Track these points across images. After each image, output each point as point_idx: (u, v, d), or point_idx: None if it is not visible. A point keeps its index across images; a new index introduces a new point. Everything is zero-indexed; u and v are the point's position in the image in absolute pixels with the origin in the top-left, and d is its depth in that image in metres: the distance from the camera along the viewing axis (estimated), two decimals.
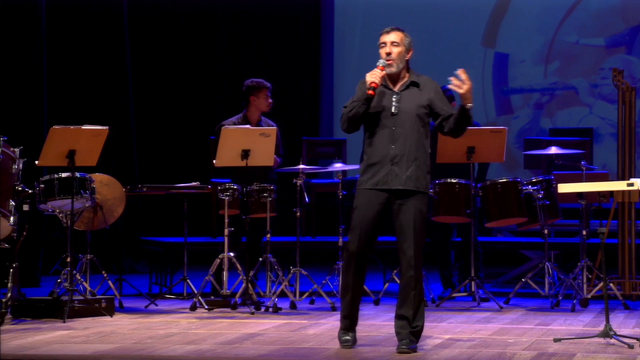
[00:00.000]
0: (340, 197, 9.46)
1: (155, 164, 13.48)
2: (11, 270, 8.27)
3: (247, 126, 9.30)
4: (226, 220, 9.00)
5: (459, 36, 13.74)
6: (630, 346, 6.77)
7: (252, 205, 9.18)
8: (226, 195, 9.01)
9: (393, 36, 6.80)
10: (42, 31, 11.60)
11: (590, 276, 9.30)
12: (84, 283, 9.05)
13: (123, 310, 8.90)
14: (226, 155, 8.85)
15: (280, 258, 10.07)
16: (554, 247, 10.50)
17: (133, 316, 8.55)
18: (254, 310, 8.66)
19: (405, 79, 6.81)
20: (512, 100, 13.79)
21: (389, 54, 6.76)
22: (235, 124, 9.50)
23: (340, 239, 9.35)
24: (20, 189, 8.23)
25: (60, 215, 8.55)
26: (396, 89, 6.79)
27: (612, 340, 6.92)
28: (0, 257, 8.68)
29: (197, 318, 8.44)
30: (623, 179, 9.41)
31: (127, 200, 9.32)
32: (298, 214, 9.40)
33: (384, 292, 9.58)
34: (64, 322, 8.02)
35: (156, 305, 9.09)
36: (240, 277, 9.00)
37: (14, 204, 8.18)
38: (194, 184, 9.49)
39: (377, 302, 9.35)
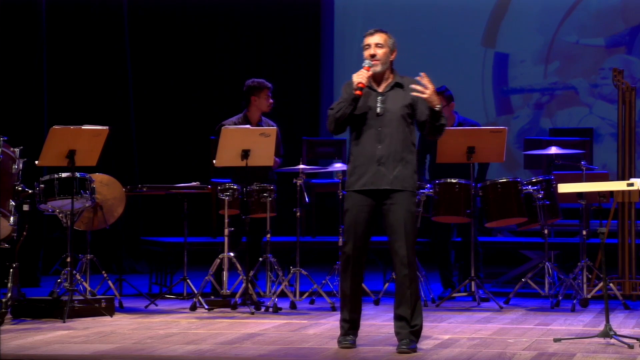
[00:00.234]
0: (340, 197, 9.44)
1: (155, 164, 13.48)
2: (11, 270, 8.26)
3: (247, 126, 9.30)
4: (226, 220, 9.00)
5: (459, 36, 13.74)
6: (630, 346, 6.77)
7: (252, 205, 9.18)
8: (226, 195, 9.01)
9: (377, 38, 6.84)
10: (42, 31, 11.60)
11: (590, 276, 9.30)
12: (84, 283, 9.05)
13: (123, 310, 8.90)
14: (226, 155, 8.85)
15: (280, 258, 10.07)
16: (554, 247, 10.50)
17: (133, 316, 8.55)
18: (254, 310, 8.66)
19: (390, 80, 6.86)
20: (512, 100, 13.79)
21: (373, 55, 6.80)
22: (235, 123, 9.50)
23: (340, 239, 9.34)
24: (20, 189, 8.23)
25: (60, 215, 8.55)
26: (381, 89, 6.83)
27: (612, 340, 6.92)
28: (0, 257, 8.68)
29: (197, 318, 8.44)
30: (623, 179, 9.41)
31: (127, 200, 9.32)
32: (298, 214, 9.41)
33: (384, 292, 9.58)
34: (64, 322, 8.02)
35: (156, 305, 9.09)
36: (240, 277, 9.00)
37: (14, 204, 8.18)
38: (194, 184, 9.50)
39: (377, 302, 9.35)
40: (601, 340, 6.98)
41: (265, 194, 9.23)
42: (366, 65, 6.77)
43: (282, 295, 9.21)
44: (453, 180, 9.37)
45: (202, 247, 10.58)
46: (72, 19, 12.77)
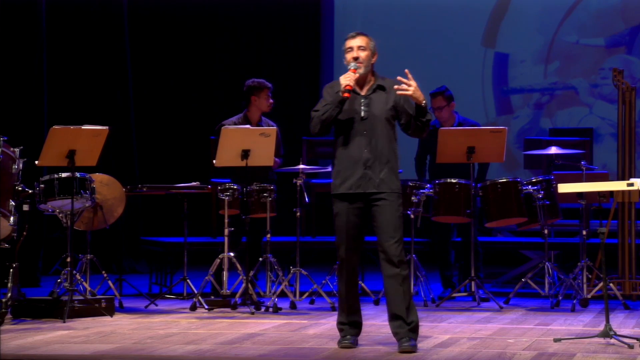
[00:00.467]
0: None
1: (155, 164, 13.48)
2: (11, 270, 8.26)
3: (247, 126, 9.30)
4: (226, 220, 9.00)
5: (459, 36, 13.73)
6: (630, 346, 6.77)
7: (252, 205, 9.18)
8: (226, 195, 9.01)
9: (359, 40, 6.85)
10: (42, 32, 11.60)
11: (590, 276, 9.30)
12: (84, 283, 9.05)
13: (123, 310, 8.90)
14: (226, 155, 8.85)
15: (280, 258, 10.07)
16: (554, 247, 10.50)
17: (133, 316, 8.55)
18: (254, 310, 8.66)
19: (372, 83, 6.87)
20: (512, 100, 13.79)
21: (356, 58, 6.81)
22: (235, 123, 9.50)
23: None
24: (20, 189, 8.23)
25: (60, 215, 8.54)
26: (363, 92, 6.84)
27: (612, 340, 6.92)
28: (0, 257, 8.68)
29: (197, 318, 8.44)
30: (623, 179, 9.41)
31: (127, 200, 9.32)
32: (298, 214, 9.40)
33: (384, 292, 9.55)
34: (64, 322, 8.02)
35: (156, 305, 9.09)
36: (240, 277, 9.00)
37: (14, 204, 8.18)
38: (194, 184, 9.50)
39: (377, 302, 9.34)
40: (601, 340, 6.98)
41: (265, 194, 9.23)
42: (352, 68, 6.79)
43: (282, 295, 9.21)
44: (453, 180, 9.37)
45: (202, 247, 10.58)
46: (72, 19, 12.77)
